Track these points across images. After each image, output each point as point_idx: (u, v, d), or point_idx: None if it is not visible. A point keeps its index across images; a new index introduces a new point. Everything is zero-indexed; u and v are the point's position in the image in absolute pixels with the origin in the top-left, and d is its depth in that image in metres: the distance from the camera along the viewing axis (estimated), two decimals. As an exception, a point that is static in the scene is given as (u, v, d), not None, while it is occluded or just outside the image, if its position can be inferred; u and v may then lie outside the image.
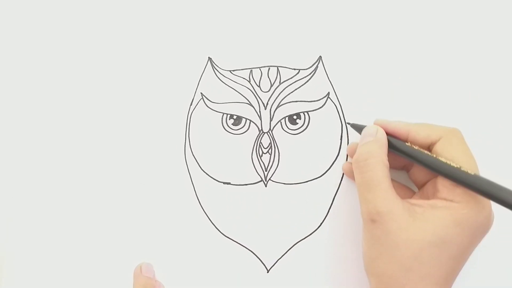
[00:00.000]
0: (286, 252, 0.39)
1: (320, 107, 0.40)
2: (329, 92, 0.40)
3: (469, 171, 0.31)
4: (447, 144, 0.32)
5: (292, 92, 0.40)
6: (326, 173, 0.39)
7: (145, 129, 0.40)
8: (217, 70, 0.41)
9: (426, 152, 0.33)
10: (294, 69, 0.40)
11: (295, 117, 0.40)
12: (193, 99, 0.41)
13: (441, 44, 0.41)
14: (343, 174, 0.39)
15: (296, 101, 0.40)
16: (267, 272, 0.39)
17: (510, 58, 0.40)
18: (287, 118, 0.40)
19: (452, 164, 0.31)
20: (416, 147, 0.33)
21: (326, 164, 0.39)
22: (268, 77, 0.40)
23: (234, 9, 0.41)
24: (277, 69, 0.40)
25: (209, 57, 0.41)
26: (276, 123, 0.40)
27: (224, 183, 0.40)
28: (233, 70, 0.41)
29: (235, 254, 0.39)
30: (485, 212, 0.31)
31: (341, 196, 0.39)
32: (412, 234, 0.30)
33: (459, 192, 0.31)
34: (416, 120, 0.40)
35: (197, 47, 0.41)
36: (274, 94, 0.40)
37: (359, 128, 0.37)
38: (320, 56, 0.40)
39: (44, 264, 0.40)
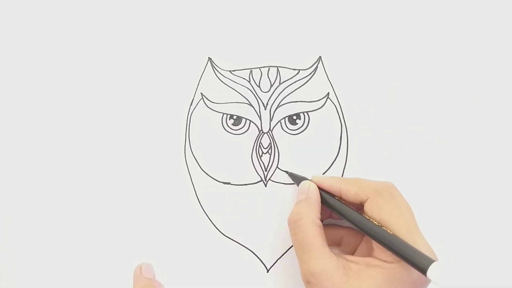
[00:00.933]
0: (286, 252, 0.39)
1: (320, 108, 0.40)
2: (328, 93, 0.40)
3: (388, 232, 0.32)
4: (374, 205, 0.33)
5: (292, 92, 0.40)
6: (326, 173, 0.39)
7: (145, 129, 0.40)
8: (217, 70, 0.41)
9: (355, 211, 0.34)
10: (294, 69, 0.40)
11: (295, 117, 0.40)
12: (193, 99, 0.41)
13: (441, 44, 0.41)
14: (342, 174, 0.39)
15: (296, 102, 0.40)
16: (267, 272, 0.39)
17: (510, 58, 0.40)
18: (287, 118, 0.40)
19: (375, 225, 0.32)
20: (346, 205, 0.34)
21: (325, 164, 0.39)
22: (268, 77, 0.40)
23: (234, 9, 0.41)
24: (277, 69, 0.40)
25: (209, 57, 0.41)
26: (276, 123, 0.40)
27: (224, 183, 0.40)
28: (233, 70, 0.41)
29: (235, 254, 0.39)
30: (419, 281, 0.31)
31: (341, 196, 0.39)
32: None
33: (389, 253, 0.32)
34: (416, 120, 0.40)
35: (197, 47, 0.41)
36: (274, 94, 0.40)
37: (297, 179, 0.38)
38: (320, 57, 0.41)
39: (44, 264, 0.40)
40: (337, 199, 0.35)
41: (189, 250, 0.39)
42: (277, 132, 0.40)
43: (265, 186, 0.40)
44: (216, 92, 0.40)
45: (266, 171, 0.40)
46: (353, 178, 0.36)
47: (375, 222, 0.32)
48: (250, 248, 0.39)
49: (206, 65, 0.41)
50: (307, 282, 0.32)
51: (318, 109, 0.40)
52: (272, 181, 0.40)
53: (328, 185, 0.36)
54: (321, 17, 0.41)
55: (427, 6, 0.41)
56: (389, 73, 0.40)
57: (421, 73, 0.40)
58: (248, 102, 0.40)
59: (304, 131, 0.40)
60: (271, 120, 0.40)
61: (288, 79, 0.40)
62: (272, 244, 0.39)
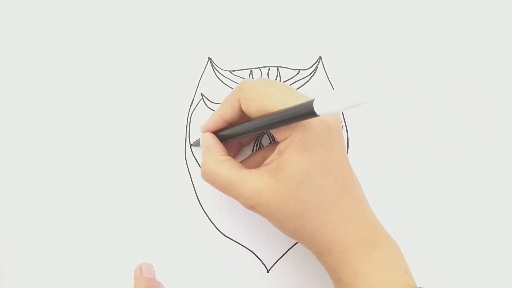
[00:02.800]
0: (286, 252, 0.39)
1: (320, 108, 0.40)
2: (329, 93, 0.40)
3: (272, 110, 0.31)
4: (246, 101, 0.33)
5: (292, 92, 0.40)
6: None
7: (146, 129, 0.40)
8: (217, 71, 0.41)
9: (240, 124, 0.34)
10: (294, 69, 0.40)
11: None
12: (193, 99, 0.41)
13: (441, 44, 0.41)
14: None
15: (296, 102, 0.40)
16: (267, 272, 0.39)
17: (510, 58, 0.40)
18: (287, 119, 0.40)
19: (256, 119, 0.32)
20: (233, 126, 0.35)
21: (326, 164, 0.39)
22: (268, 77, 0.40)
23: (234, 9, 0.41)
24: (277, 69, 0.40)
25: (209, 57, 0.41)
26: (276, 124, 0.40)
27: (224, 183, 0.40)
28: (233, 71, 0.41)
29: (235, 254, 0.39)
30: (314, 121, 0.31)
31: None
32: (283, 187, 0.31)
33: (282, 129, 0.31)
34: (416, 120, 0.40)
35: (197, 47, 0.41)
36: (274, 94, 0.40)
37: (197, 142, 0.39)
38: (320, 57, 0.41)
39: (44, 265, 0.40)
40: (226, 129, 0.36)
41: (189, 250, 0.39)
42: (277, 132, 0.40)
43: (265, 186, 0.40)
44: (216, 92, 0.40)
45: (266, 171, 0.40)
46: (223, 100, 0.36)
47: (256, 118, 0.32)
48: (250, 248, 0.39)
49: (206, 65, 0.41)
50: (250, 207, 0.32)
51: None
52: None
53: (212, 123, 0.36)
54: (321, 17, 0.41)
55: (427, 6, 0.41)
56: (389, 73, 0.40)
57: (421, 73, 0.40)
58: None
59: (304, 131, 0.40)
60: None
61: (288, 79, 0.40)
62: (272, 244, 0.39)
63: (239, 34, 0.41)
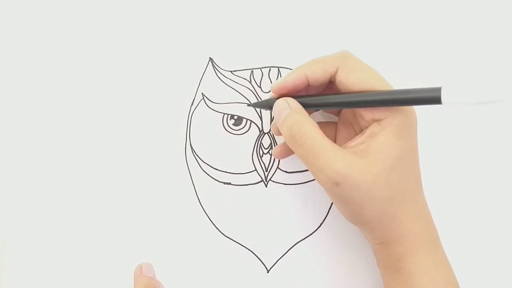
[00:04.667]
0: (286, 252, 0.39)
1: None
2: (329, 93, 0.40)
3: (376, 88, 0.31)
4: (346, 69, 0.32)
5: (292, 92, 0.40)
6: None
7: (146, 129, 0.40)
8: (218, 71, 0.41)
9: (338, 94, 0.32)
10: (295, 69, 0.40)
11: (295, 117, 0.40)
12: (194, 99, 0.41)
13: (441, 44, 0.41)
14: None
15: (297, 102, 0.40)
16: (267, 272, 0.39)
17: (510, 58, 0.41)
18: (287, 119, 0.40)
19: (363, 93, 0.31)
20: (327, 95, 0.33)
21: (326, 165, 0.39)
22: (269, 77, 0.40)
23: (235, 9, 0.41)
24: (278, 69, 0.40)
25: (210, 58, 0.41)
26: (277, 124, 0.40)
27: (224, 183, 0.40)
28: (234, 71, 0.41)
29: (235, 254, 0.39)
30: (409, 108, 0.31)
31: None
32: (375, 170, 0.30)
33: (380, 109, 0.31)
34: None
35: (198, 47, 0.41)
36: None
37: (265, 105, 0.36)
38: (321, 57, 0.41)
39: (44, 264, 0.40)
40: (314, 96, 0.33)
41: (190, 250, 0.39)
42: (278, 133, 0.40)
43: (266, 186, 0.40)
44: (217, 92, 0.40)
45: (266, 171, 0.40)
46: (310, 60, 0.33)
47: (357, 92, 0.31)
48: (250, 249, 0.39)
49: (207, 65, 0.41)
50: (335, 184, 0.30)
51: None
52: (273, 181, 0.40)
53: (293, 80, 0.33)
54: (321, 18, 0.41)
55: (427, 6, 0.41)
56: (389, 73, 0.40)
57: (421, 73, 0.40)
58: (249, 103, 0.40)
59: (304, 132, 0.40)
60: (272, 120, 0.40)
61: (289, 80, 0.40)
62: (272, 245, 0.39)
63: (240, 34, 0.41)
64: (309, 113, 0.33)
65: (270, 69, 0.40)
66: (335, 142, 0.36)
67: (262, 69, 0.40)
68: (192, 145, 0.40)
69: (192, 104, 0.41)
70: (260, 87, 0.40)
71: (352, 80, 0.31)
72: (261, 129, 0.40)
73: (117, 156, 0.40)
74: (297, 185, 0.40)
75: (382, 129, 0.30)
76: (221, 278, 0.39)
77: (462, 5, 0.41)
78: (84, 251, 0.40)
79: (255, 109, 0.40)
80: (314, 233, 0.39)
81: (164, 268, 0.39)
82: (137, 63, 0.41)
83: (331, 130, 0.37)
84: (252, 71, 0.40)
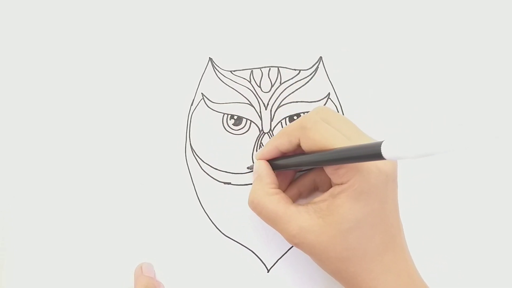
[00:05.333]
0: (286, 252, 0.39)
1: (321, 108, 0.40)
2: (329, 93, 0.40)
3: (334, 147, 0.31)
4: (305, 139, 0.33)
5: (292, 92, 0.40)
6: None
7: (146, 129, 0.40)
8: (218, 71, 0.41)
9: (297, 156, 0.34)
10: (295, 69, 0.40)
11: (295, 117, 0.40)
12: (193, 99, 0.41)
13: (441, 43, 0.41)
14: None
15: (297, 102, 0.40)
16: (268, 272, 0.39)
17: (510, 58, 0.41)
18: (287, 119, 0.40)
19: (315, 154, 0.32)
20: (289, 157, 0.35)
21: (326, 164, 0.39)
22: (269, 77, 0.40)
23: (235, 9, 0.41)
24: (278, 69, 0.40)
25: (209, 58, 0.41)
26: (277, 124, 0.40)
27: (224, 183, 0.40)
28: (234, 71, 0.41)
29: (235, 254, 0.39)
30: (373, 170, 0.31)
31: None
32: (331, 232, 0.31)
33: (341, 173, 0.31)
34: (417, 120, 0.41)
35: (198, 47, 0.41)
36: (274, 94, 0.40)
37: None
38: (321, 57, 0.41)
39: (44, 264, 0.40)
40: (280, 158, 0.36)
41: (190, 250, 0.39)
42: (278, 132, 0.40)
43: (266, 186, 0.40)
44: (216, 92, 0.40)
45: (266, 171, 0.40)
46: (281, 130, 0.37)
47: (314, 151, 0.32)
48: (250, 248, 0.39)
49: (206, 65, 0.41)
50: (295, 245, 0.33)
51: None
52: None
53: (268, 152, 0.36)
54: (321, 17, 0.41)
55: (427, 6, 0.41)
56: (389, 73, 0.40)
57: (422, 72, 0.40)
58: (249, 102, 0.40)
59: (304, 131, 0.40)
60: (271, 120, 0.40)
61: (288, 79, 0.40)
62: (272, 244, 0.39)
63: (240, 34, 0.41)
64: None
65: (269, 69, 0.40)
66: (318, 188, 0.38)
67: (261, 68, 0.40)
68: (192, 145, 0.40)
69: (192, 104, 0.40)
70: (260, 87, 0.40)
71: (313, 149, 0.32)
72: (261, 129, 0.40)
73: (117, 156, 0.40)
74: (297, 185, 0.40)
75: (341, 192, 0.31)
76: (221, 278, 0.39)
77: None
78: (84, 251, 0.40)
79: (255, 109, 0.40)
80: (314, 233, 0.39)
81: (164, 268, 0.39)
82: (136, 63, 0.41)
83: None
84: (251, 71, 0.40)
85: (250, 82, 0.40)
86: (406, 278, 0.32)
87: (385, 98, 0.40)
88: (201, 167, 0.40)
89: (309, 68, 0.40)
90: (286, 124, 0.40)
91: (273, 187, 0.35)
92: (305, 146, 0.33)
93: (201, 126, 0.40)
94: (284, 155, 0.36)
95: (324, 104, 0.40)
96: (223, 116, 0.40)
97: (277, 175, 0.36)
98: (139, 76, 0.41)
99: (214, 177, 0.40)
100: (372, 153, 0.26)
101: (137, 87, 0.41)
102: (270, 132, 0.40)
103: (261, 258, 0.39)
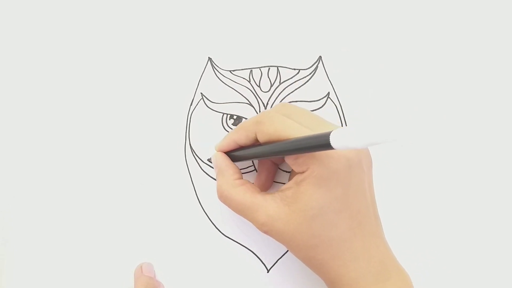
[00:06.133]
0: (286, 252, 0.39)
1: (320, 107, 0.40)
2: (329, 92, 0.40)
3: (282, 141, 0.31)
4: (260, 134, 0.33)
5: (292, 92, 0.40)
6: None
7: (146, 129, 0.40)
8: (217, 70, 0.41)
9: (255, 146, 0.34)
10: (294, 69, 0.40)
11: (295, 117, 0.40)
12: (193, 99, 0.41)
13: (441, 43, 0.41)
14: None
15: (296, 101, 0.40)
16: (267, 272, 0.39)
17: (510, 58, 0.40)
18: (287, 118, 0.40)
19: (271, 144, 0.32)
20: (246, 148, 0.35)
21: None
22: (268, 77, 0.40)
23: (234, 9, 0.41)
24: (277, 69, 0.40)
25: (209, 57, 0.41)
26: (276, 123, 0.40)
27: (224, 183, 0.40)
28: (233, 70, 0.41)
29: (235, 254, 0.39)
30: (333, 156, 0.31)
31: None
32: (296, 219, 0.31)
33: (301, 161, 0.32)
34: (416, 118, 0.40)
35: (197, 47, 0.41)
36: (274, 94, 0.40)
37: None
38: (320, 56, 0.41)
39: (44, 264, 0.40)
40: (238, 150, 0.36)
41: (189, 250, 0.39)
42: (277, 132, 0.40)
43: (266, 186, 0.40)
44: (216, 92, 0.40)
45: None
46: (239, 125, 0.36)
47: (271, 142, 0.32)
48: (250, 248, 0.39)
49: (206, 65, 0.41)
50: (265, 233, 0.33)
51: (318, 108, 0.40)
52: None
53: (226, 145, 0.37)
54: (321, 17, 0.41)
55: (427, 6, 0.41)
56: (389, 73, 0.40)
57: (422, 72, 0.40)
58: (248, 102, 0.40)
59: (304, 131, 0.40)
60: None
61: (288, 79, 0.40)
62: (272, 244, 0.39)
63: (239, 34, 0.41)
64: None
65: (269, 69, 0.40)
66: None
67: (261, 68, 0.40)
68: (191, 145, 0.40)
69: (191, 104, 0.41)
70: (259, 86, 0.40)
71: (265, 140, 0.33)
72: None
73: (117, 156, 0.40)
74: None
75: (303, 180, 0.31)
76: (221, 278, 0.39)
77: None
78: (84, 251, 0.40)
79: (254, 109, 0.40)
80: (314, 233, 0.39)
81: (164, 268, 0.39)
82: (136, 63, 0.41)
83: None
84: (251, 71, 0.40)
85: (249, 81, 0.40)
86: (377, 264, 0.32)
87: (385, 98, 0.40)
88: (200, 167, 0.40)
89: (309, 68, 0.40)
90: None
91: (237, 177, 0.35)
92: (261, 139, 0.33)
93: (200, 126, 0.40)
94: (242, 148, 0.36)
95: (324, 104, 0.40)
96: (223, 116, 0.40)
97: (260, 173, 0.38)
98: (138, 76, 0.41)
99: (214, 177, 0.40)
100: (322, 143, 0.27)
101: (137, 87, 0.41)
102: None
103: (261, 258, 0.39)
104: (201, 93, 0.41)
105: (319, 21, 0.41)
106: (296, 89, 0.40)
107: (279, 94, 0.40)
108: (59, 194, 0.40)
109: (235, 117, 0.40)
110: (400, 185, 0.40)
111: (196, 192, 0.40)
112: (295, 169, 0.32)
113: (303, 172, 0.31)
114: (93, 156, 0.40)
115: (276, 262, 0.39)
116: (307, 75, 0.40)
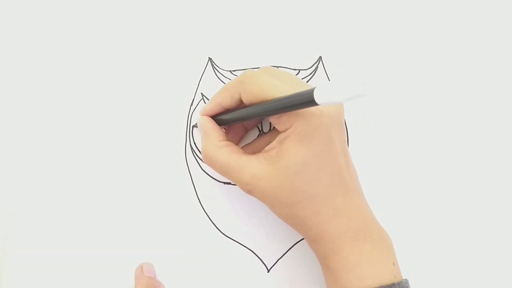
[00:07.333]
0: (286, 252, 0.39)
1: (320, 107, 0.40)
2: (329, 92, 0.40)
3: (267, 101, 0.31)
4: (245, 94, 0.33)
5: (292, 92, 0.40)
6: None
7: (146, 129, 0.40)
8: (218, 70, 0.41)
9: (240, 110, 0.35)
10: (294, 69, 0.40)
11: (295, 117, 0.40)
12: (193, 99, 0.41)
13: (441, 43, 0.41)
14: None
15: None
16: (268, 272, 0.39)
17: (509, 58, 0.41)
18: (287, 118, 0.40)
19: (256, 105, 0.32)
20: (231, 111, 0.35)
21: (326, 164, 0.39)
22: (269, 77, 0.40)
23: (234, 9, 0.41)
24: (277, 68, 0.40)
25: (209, 57, 0.41)
26: (277, 123, 0.40)
27: (224, 183, 0.40)
28: (233, 70, 0.41)
29: (235, 254, 0.39)
30: (315, 113, 0.31)
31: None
32: (279, 176, 0.32)
33: (284, 119, 0.32)
34: (417, 120, 0.41)
35: (198, 47, 0.41)
36: (274, 94, 0.40)
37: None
38: (320, 57, 0.41)
39: (44, 264, 0.40)
40: (223, 113, 0.36)
41: (190, 250, 0.39)
42: (278, 132, 0.40)
43: (266, 186, 0.40)
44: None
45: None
46: (223, 86, 0.36)
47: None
48: (250, 248, 0.39)
49: (206, 65, 0.41)
50: (248, 192, 0.34)
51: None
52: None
53: (211, 109, 0.37)
54: (321, 17, 0.41)
55: (427, 6, 0.41)
56: (389, 73, 0.40)
57: (422, 72, 0.40)
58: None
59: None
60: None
61: (288, 79, 0.40)
62: (272, 244, 0.39)
63: (239, 34, 0.41)
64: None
65: (269, 69, 0.40)
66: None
67: (261, 68, 0.40)
68: (192, 145, 0.40)
69: (191, 104, 0.41)
70: (259, 86, 0.40)
71: (253, 102, 0.33)
72: (260, 129, 0.40)
73: (117, 156, 0.40)
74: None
75: (286, 137, 0.32)
76: (221, 277, 0.39)
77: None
78: (84, 251, 0.40)
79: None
80: (314, 233, 0.39)
81: (164, 268, 0.39)
82: (136, 64, 0.41)
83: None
84: (251, 71, 0.40)
85: (249, 82, 0.40)
86: (358, 221, 0.33)
87: (385, 98, 0.40)
88: (201, 167, 0.40)
89: (309, 68, 0.40)
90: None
91: (222, 139, 0.35)
92: (246, 100, 0.33)
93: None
94: (228, 111, 0.36)
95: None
96: (223, 116, 0.40)
97: (227, 133, 0.37)
98: (139, 76, 0.41)
99: (214, 177, 0.40)
100: (306, 100, 0.27)
101: (137, 88, 0.41)
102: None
103: (261, 258, 0.39)
104: (201, 93, 0.41)
105: (319, 21, 0.41)
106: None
107: (279, 94, 0.40)
108: (60, 194, 0.40)
109: (235, 117, 0.40)
110: (400, 185, 0.40)
111: (197, 192, 0.40)
112: (279, 127, 0.33)
113: (286, 130, 0.32)
114: (94, 156, 0.40)
115: (277, 262, 0.39)
116: (307, 76, 0.40)
